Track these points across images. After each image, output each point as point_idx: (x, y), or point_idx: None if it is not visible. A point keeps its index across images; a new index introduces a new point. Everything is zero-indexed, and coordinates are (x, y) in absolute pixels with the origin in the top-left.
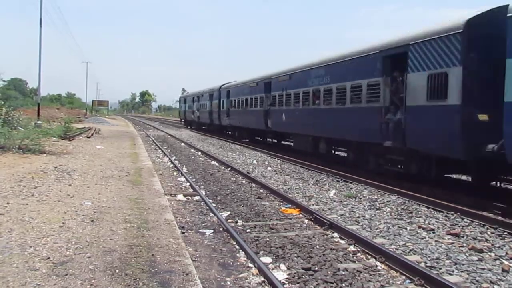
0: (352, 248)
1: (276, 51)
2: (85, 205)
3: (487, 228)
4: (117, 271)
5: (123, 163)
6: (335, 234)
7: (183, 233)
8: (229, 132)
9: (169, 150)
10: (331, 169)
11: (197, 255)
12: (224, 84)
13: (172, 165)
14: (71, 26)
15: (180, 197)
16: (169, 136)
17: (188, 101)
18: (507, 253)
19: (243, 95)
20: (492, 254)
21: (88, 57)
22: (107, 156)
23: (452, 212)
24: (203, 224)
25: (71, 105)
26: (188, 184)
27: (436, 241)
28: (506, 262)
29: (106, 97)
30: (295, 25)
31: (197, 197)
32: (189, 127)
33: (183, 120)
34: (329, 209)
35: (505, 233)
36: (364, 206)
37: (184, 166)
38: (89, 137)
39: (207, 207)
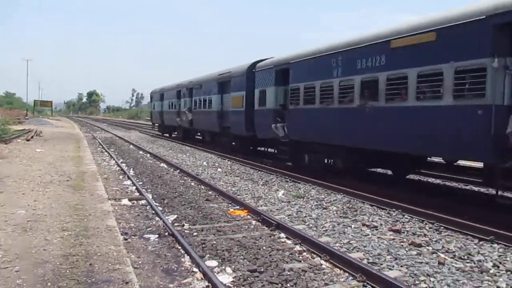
0: (298, 247)
1: (276, 51)
2: (18, 214)
3: (426, 224)
4: (48, 284)
5: (65, 167)
6: (282, 235)
7: (126, 239)
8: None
9: (116, 153)
10: (281, 169)
11: (140, 262)
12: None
13: (118, 168)
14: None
15: (125, 201)
16: (117, 138)
17: (168, 97)
18: (443, 247)
19: (386, 70)
20: (430, 248)
21: (29, 55)
22: (48, 160)
23: (394, 209)
24: (148, 229)
25: (10, 106)
26: (134, 187)
27: (378, 237)
28: (442, 255)
29: (51, 97)
30: (295, 25)
31: (143, 201)
32: (166, 135)
33: (156, 125)
34: (277, 209)
35: (442, 227)
36: (312, 205)
37: (132, 169)
38: (28, 140)
39: (153, 211)
